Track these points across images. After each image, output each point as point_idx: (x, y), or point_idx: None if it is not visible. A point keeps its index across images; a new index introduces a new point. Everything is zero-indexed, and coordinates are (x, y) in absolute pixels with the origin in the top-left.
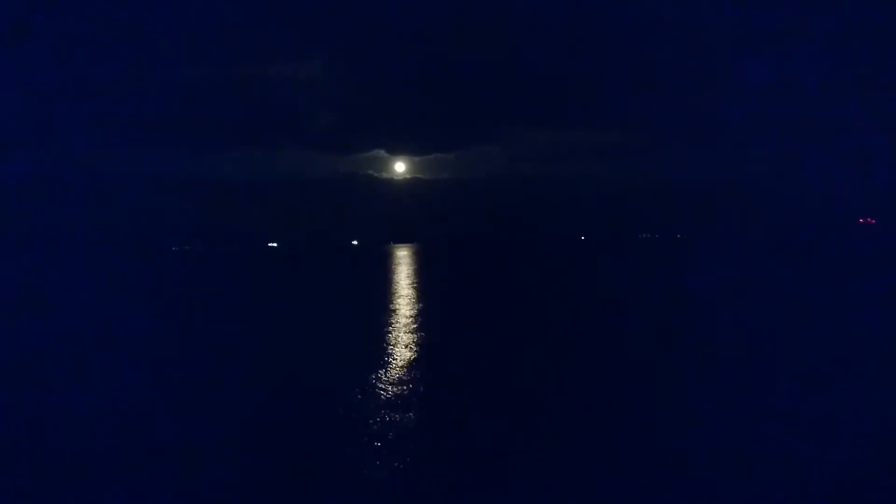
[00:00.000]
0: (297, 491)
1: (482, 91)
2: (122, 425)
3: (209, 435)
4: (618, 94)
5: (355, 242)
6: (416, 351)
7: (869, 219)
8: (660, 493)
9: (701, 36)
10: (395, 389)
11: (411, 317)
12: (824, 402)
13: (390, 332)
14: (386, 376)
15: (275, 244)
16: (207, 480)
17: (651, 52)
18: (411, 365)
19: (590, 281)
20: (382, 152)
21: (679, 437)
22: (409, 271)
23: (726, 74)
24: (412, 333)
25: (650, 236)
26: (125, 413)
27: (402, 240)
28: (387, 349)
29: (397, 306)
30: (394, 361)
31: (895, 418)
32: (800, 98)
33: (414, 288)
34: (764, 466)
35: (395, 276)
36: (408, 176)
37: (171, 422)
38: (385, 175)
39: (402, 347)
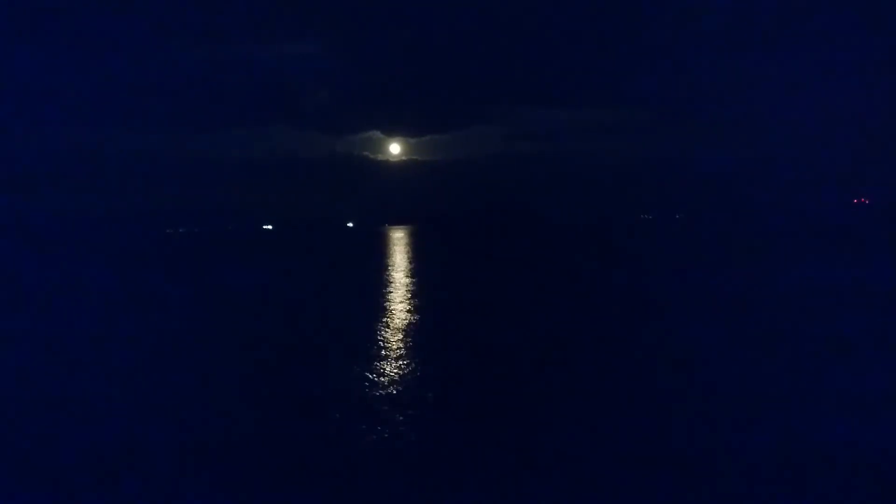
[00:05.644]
0: (291, 468)
1: (478, 71)
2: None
3: (201, 421)
4: (616, 74)
5: (350, 224)
6: (411, 332)
7: (863, 199)
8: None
9: (700, 16)
10: (391, 370)
11: (407, 298)
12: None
13: (386, 314)
14: (382, 357)
15: (269, 226)
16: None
17: (650, 31)
18: (407, 346)
19: (586, 260)
20: (378, 133)
21: (684, 424)
22: (405, 253)
23: (725, 55)
24: (408, 314)
25: (648, 216)
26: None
27: (398, 221)
28: (382, 331)
29: (393, 288)
30: (389, 343)
31: None
32: (799, 79)
33: (409, 270)
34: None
35: (390, 258)
36: (403, 157)
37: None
38: (380, 156)
39: (398, 330)
